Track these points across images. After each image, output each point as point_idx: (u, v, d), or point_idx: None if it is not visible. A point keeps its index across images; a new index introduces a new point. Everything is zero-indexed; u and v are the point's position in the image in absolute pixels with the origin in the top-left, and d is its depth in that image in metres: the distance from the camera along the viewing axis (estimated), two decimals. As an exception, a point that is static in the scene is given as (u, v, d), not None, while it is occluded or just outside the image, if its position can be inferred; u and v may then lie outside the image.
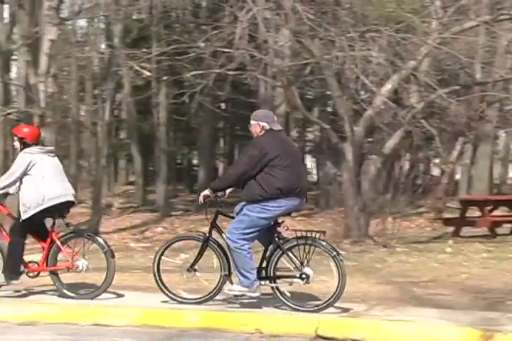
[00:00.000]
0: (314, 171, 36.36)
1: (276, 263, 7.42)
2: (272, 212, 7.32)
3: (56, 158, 8.55)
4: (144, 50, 19.78)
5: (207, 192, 7.57)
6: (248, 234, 7.34)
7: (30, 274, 8.39)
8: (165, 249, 7.90)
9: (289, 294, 7.43)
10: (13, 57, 21.52)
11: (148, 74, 18.01)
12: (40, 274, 8.43)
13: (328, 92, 18.86)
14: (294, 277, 7.37)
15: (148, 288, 8.76)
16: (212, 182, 8.15)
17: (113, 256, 8.21)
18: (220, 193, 7.65)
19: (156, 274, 7.82)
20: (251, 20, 13.97)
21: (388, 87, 14.36)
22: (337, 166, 23.72)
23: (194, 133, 30.82)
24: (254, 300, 7.54)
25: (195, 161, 37.97)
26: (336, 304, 7.29)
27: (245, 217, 7.36)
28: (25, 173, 8.19)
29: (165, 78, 24.92)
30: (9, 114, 17.69)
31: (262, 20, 13.91)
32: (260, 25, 13.88)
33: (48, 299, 8.17)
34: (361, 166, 14.73)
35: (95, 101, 33.43)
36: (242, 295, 7.45)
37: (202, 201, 7.59)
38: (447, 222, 16.78)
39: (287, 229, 7.54)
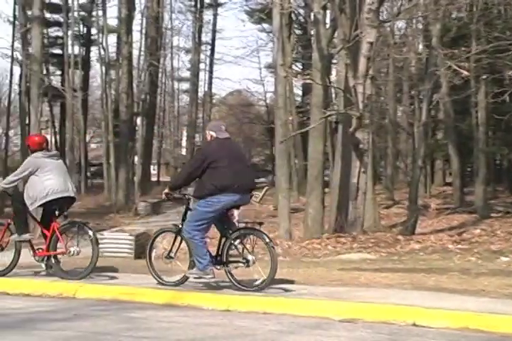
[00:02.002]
0: None
1: (228, 251, 8.67)
2: (214, 206, 8.53)
3: (60, 160, 10.18)
4: (463, 48, 19.50)
5: (166, 190, 9.02)
6: (198, 225, 8.61)
7: (37, 258, 9.88)
8: (153, 242, 9.33)
9: (237, 277, 8.68)
10: (334, 60, 22.20)
11: (466, 73, 17.69)
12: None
13: None
14: (239, 262, 8.63)
15: (466, 290, 8.60)
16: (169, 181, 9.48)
17: (97, 244, 9.61)
18: (182, 189, 9.11)
19: (148, 263, 9.21)
20: None
21: None
22: None
23: (515, 132, 29.77)
24: None
25: (515, 162, 36.67)
26: None
27: (196, 212, 8.70)
28: (31, 174, 9.81)
29: (484, 77, 24.40)
30: (329, 116, 18.32)
31: None
32: None
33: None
34: None
35: (412, 102, 33.56)
36: (200, 277, 8.68)
37: (165, 198, 9.05)
38: None
39: (237, 220, 9.04)
